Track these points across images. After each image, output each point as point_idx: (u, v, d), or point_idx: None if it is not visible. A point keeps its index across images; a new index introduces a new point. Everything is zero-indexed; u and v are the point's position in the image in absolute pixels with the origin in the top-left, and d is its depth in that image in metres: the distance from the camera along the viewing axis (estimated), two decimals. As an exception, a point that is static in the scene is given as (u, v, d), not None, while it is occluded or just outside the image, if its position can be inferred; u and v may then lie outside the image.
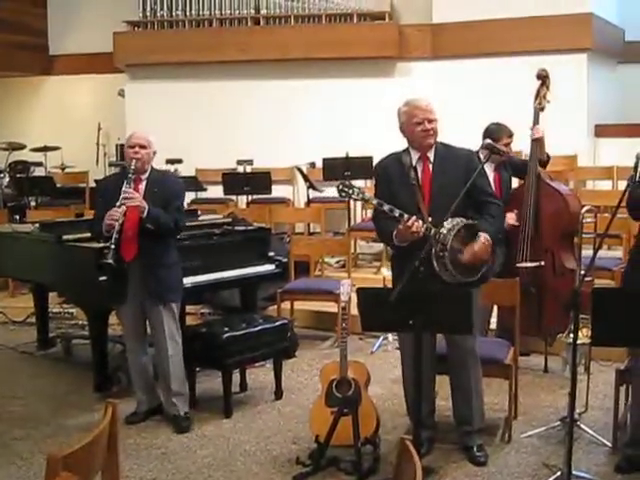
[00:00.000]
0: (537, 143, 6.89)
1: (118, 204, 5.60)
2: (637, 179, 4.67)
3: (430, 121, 5.05)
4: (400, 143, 5.25)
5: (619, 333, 4.52)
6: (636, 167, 4.71)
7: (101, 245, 6.19)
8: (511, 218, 6.78)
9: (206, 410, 6.23)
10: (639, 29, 12.25)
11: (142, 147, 5.80)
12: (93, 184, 12.28)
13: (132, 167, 5.74)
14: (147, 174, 5.89)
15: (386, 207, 4.94)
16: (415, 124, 5.06)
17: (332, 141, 10.98)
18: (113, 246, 5.55)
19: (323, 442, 5.15)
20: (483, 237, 4.94)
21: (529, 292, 6.72)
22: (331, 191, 9.22)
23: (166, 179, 6.17)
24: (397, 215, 4.88)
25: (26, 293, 8.96)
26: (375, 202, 5.05)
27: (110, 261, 5.54)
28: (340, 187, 5.01)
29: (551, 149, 7.14)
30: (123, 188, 5.66)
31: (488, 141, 5.45)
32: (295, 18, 12.50)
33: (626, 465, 5.06)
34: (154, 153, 5.93)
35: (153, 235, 5.74)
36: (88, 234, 6.59)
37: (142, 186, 5.84)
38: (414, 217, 4.86)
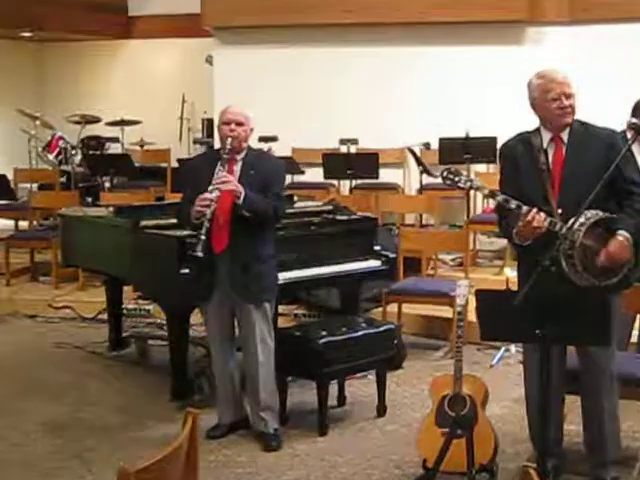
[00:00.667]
0: None
1: (210, 188, 5.63)
2: None
3: (568, 96, 4.97)
4: (530, 122, 5.19)
5: None
6: None
7: (185, 233, 6.32)
8: None
9: (298, 426, 6.29)
10: None
11: (239, 124, 5.82)
12: (175, 164, 12.56)
13: (227, 146, 5.77)
14: (243, 154, 5.92)
15: (500, 197, 4.90)
16: (550, 100, 4.98)
17: (449, 119, 10.93)
18: (203, 237, 5.58)
19: (432, 467, 5.15)
20: (622, 236, 4.84)
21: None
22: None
23: (265, 160, 6.18)
24: (514, 207, 4.83)
25: (98, 286, 9.14)
26: (485, 192, 5.03)
27: (200, 254, 5.56)
28: (445, 174, 5.00)
29: None
30: (216, 170, 5.73)
31: (634, 120, 5.35)
32: (410, -23, 12.46)
33: None
34: (251, 130, 5.95)
35: (248, 224, 5.76)
36: (170, 220, 6.76)
37: (237, 168, 5.88)
38: (535, 210, 4.80)
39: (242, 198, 5.68)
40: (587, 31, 11.46)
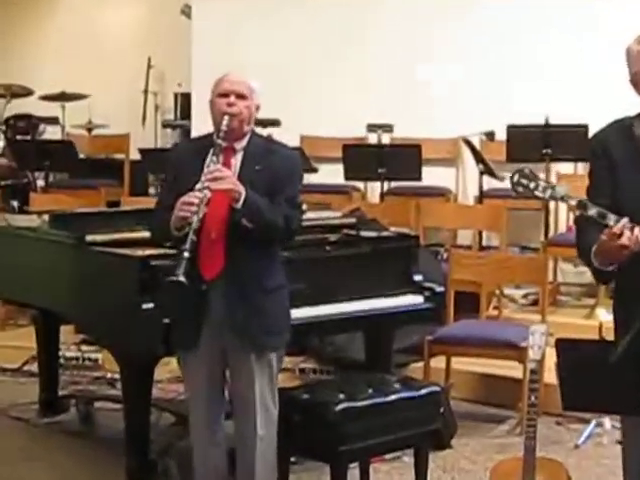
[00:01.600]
0: None
1: (198, 186, 5.49)
2: None
3: None
4: (630, 106, 5.22)
5: None
6: None
7: (149, 252, 6.32)
8: None
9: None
10: None
11: (240, 96, 5.68)
12: (137, 155, 12.55)
13: (223, 128, 5.62)
14: (245, 142, 5.81)
15: (593, 211, 4.87)
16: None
17: (523, 99, 11.03)
18: (187, 254, 5.42)
19: None
20: None
21: None
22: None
23: (276, 152, 5.95)
24: (612, 223, 4.82)
25: (25, 325, 9.15)
26: (574, 202, 5.00)
27: (182, 278, 5.37)
28: (516, 178, 4.98)
29: None
30: (207, 162, 5.61)
31: None
32: None
33: None
34: (257, 108, 5.84)
35: (250, 239, 5.66)
36: (127, 234, 6.77)
37: (237, 160, 5.78)
38: (626, 220, 4.80)
39: (242, 201, 5.54)
40: None
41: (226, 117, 5.60)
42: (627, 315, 4.95)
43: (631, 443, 5.21)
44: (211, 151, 5.61)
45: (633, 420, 5.10)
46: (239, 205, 5.51)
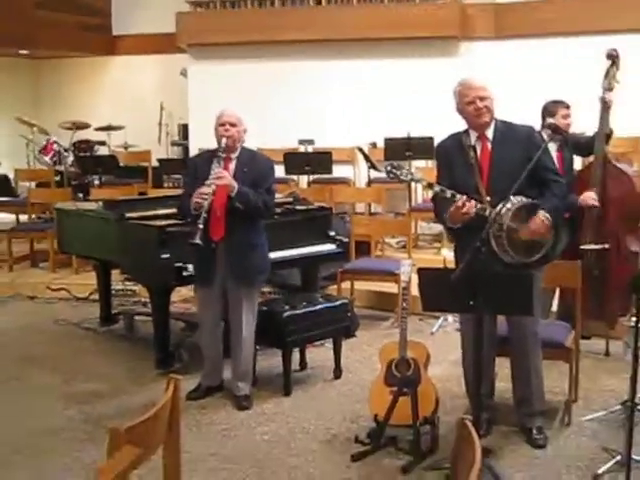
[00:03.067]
0: (606, 111, 6.78)
1: (207, 182, 5.60)
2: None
3: (482, 99, 5.02)
4: (461, 123, 5.22)
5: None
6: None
7: (165, 223, 6.32)
8: (590, 198, 6.69)
9: (266, 388, 6.28)
10: None
11: (233, 125, 5.78)
12: (155, 163, 12.47)
13: (222, 145, 5.74)
14: (237, 153, 5.89)
15: (437, 188, 4.95)
16: (467, 103, 5.05)
17: (394, 121, 10.91)
18: (201, 226, 5.53)
19: (382, 421, 5.17)
20: (541, 214, 4.90)
21: (592, 275, 6.70)
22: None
23: (256, 159, 6.08)
24: (449, 196, 4.88)
25: (90, 270, 9.05)
26: (424, 183, 5.09)
27: (198, 241, 5.51)
28: (389, 168, 5.03)
29: (615, 131, 7.06)
30: (212, 167, 5.67)
31: (551, 120, 5.40)
32: (358, -1, 12.49)
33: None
34: (244, 131, 5.91)
35: (242, 215, 5.74)
36: (152, 212, 6.76)
37: (232, 165, 5.85)
38: (464, 197, 4.85)
39: (235, 192, 5.66)
40: (512, 45, 11.60)
41: (224, 139, 5.75)
42: (461, 253, 4.99)
43: (465, 329, 5.28)
44: (215, 160, 5.73)
45: (465, 315, 5.15)
46: (234, 194, 5.69)
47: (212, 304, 6.01)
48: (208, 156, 5.95)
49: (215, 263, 5.82)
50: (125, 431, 2.82)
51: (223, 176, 5.66)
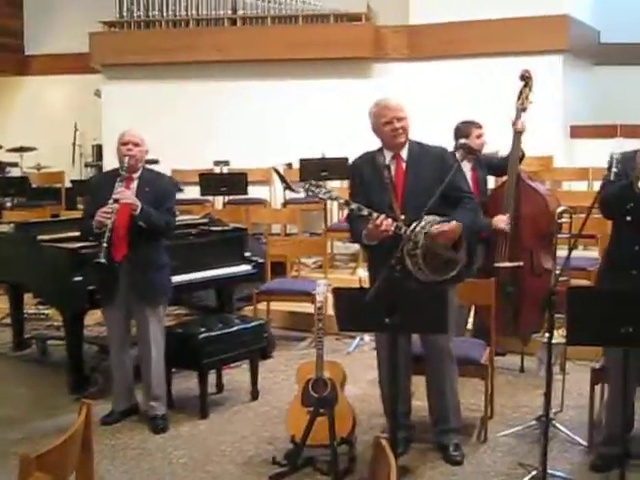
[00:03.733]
0: (519, 136, 6.90)
1: (110, 201, 5.52)
2: (611, 178, 4.67)
3: (399, 119, 5.07)
4: (376, 143, 5.26)
5: (594, 332, 4.55)
6: (610, 167, 4.72)
7: (78, 245, 6.24)
8: (502, 221, 6.78)
9: (182, 411, 6.22)
10: (614, 31, 12.36)
11: (135, 145, 5.75)
12: (69, 184, 12.34)
13: (125, 165, 5.68)
14: (139, 173, 5.83)
15: (353, 206, 4.97)
16: (384, 124, 5.09)
17: (309, 142, 11.01)
18: (105, 244, 5.46)
19: (299, 442, 5.15)
20: (455, 221, 4.94)
21: (507, 292, 6.79)
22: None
23: (158, 179, 6.05)
24: (366, 214, 4.90)
25: (1, 294, 8.87)
26: (342, 201, 5.10)
27: (103, 260, 5.45)
28: (307, 187, 5.05)
29: (527, 150, 7.17)
30: (115, 186, 5.59)
31: (463, 141, 5.47)
32: (272, 19, 12.60)
33: (602, 464, 5.08)
34: (146, 152, 5.90)
35: (144, 235, 5.68)
36: (65, 234, 6.63)
37: (134, 185, 5.78)
38: (383, 216, 4.87)
39: (139, 211, 5.59)
40: (424, 66, 11.82)
41: (126, 158, 5.69)
42: (375, 271, 5.00)
43: (381, 348, 5.31)
44: (118, 179, 5.63)
45: (380, 335, 5.17)
46: (137, 213, 5.58)
47: (117, 324, 5.94)
48: (109, 176, 5.91)
49: (118, 282, 5.75)
50: (36, 458, 2.77)
51: (126, 195, 5.61)
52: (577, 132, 11.51)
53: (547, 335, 4.91)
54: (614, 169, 4.67)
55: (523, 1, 11.15)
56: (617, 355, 4.86)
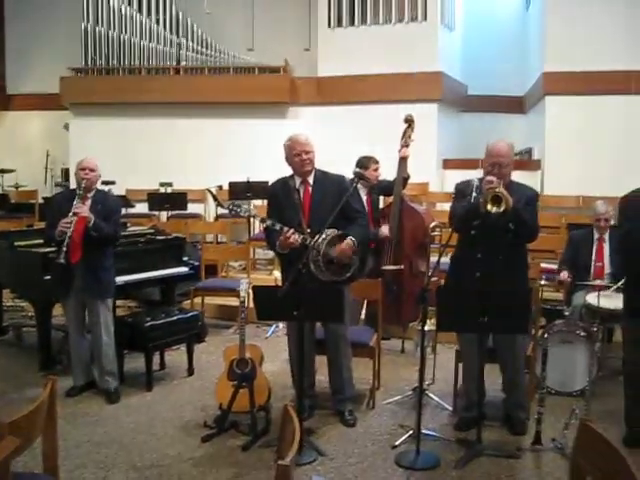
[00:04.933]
0: (403, 161, 6.99)
1: (70, 214, 5.46)
2: (472, 201, 4.75)
3: (307, 152, 5.10)
4: (290, 170, 5.27)
5: (458, 321, 4.65)
6: (471, 191, 4.80)
7: (47, 250, 6.10)
8: (386, 230, 6.89)
9: (132, 385, 6.13)
10: (477, 85, 12.58)
11: (91, 170, 5.69)
12: (42, 200, 12.10)
13: (82, 186, 5.61)
14: (93, 193, 5.76)
15: (268, 222, 4.99)
16: (295, 155, 5.11)
17: (237, 169, 10.90)
18: (65, 249, 5.40)
19: (226, 409, 5.14)
20: (349, 239, 4.99)
21: (391, 289, 6.86)
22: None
23: (107, 197, 6.00)
24: (278, 228, 4.92)
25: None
26: (259, 218, 5.12)
27: (62, 261, 5.39)
28: (230, 206, 5.06)
29: (410, 177, 7.27)
30: (74, 203, 5.52)
31: (357, 170, 5.51)
32: (209, 70, 12.61)
33: (462, 425, 5.19)
34: (99, 176, 5.82)
35: (96, 242, 5.61)
36: (37, 241, 6.48)
37: (89, 202, 5.69)
38: (291, 230, 4.90)
39: (92, 223, 5.53)
40: (330, 109, 11.88)
41: (84, 181, 5.61)
42: (287, 273, 5.06)
43: (291, 333, 5.34)
44: (76, 197, 5.57)
45: (291, 323, 5.23)
46: (90, 225, 5.52)
47: (74, 313, 5.85)
48: (68, 194, 5.86)
49: (73, 280, 5.67)
50: (8, 424, 2.73)
51: (82, 210, 5.53)
52: (448, 164, 11.66)
53: (421, 324, 5.00)
54: (474, 193, 4.75)
55: (407, 60, 11.31)
56: (468, 339, 5.01)
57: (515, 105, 12.75)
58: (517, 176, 5.15)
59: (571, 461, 2.78)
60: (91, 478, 4.44)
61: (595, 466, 2.59)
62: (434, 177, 11.37)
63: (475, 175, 5.08)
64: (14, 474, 2.87)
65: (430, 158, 11.22)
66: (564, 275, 6.44)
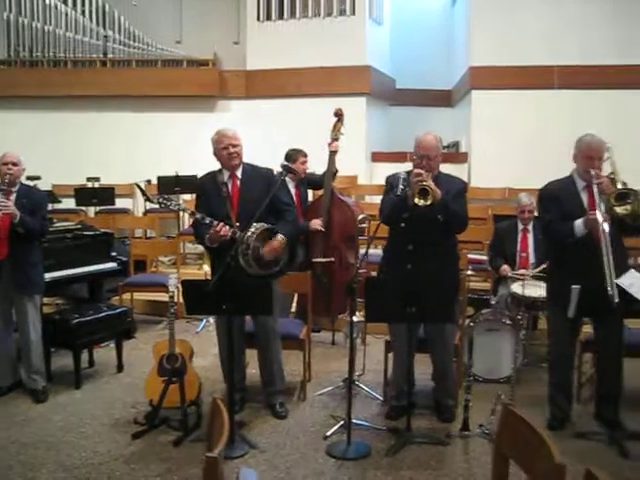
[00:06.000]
0: (333, 155, 7.05)
1: None
2: (399, 193, 4.82)
3: (234, 146, 5.10)
4: (218, 165, 5.27)
5: (386, 312, 4.73)
6: (397, 184, 4.87)
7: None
8: (317, 224, 6.92)
9: (60, 383, 6.06)
10: (406, 79, 12.76)
11: (14, 164, 5.57)
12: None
13: (5, 181, 5.50)
14: (17, 187, 5.64)
15: (198, 215, 4.98)
16: (222, 148, 5.11)
17: (166, 163, 10.84)
18: None
19: (156, 405, 5.12)
20: (280, 237, 5.02)
21: (321, 281, 6.92)
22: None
23: (32, 192, 5.89)
24: (207, 222, 4.92)
25: None
26: (189, 212, 5.11)
27: None
28: (160, 200, 5.03)
29: (340, 170, 7.33)
30: None
31: (284, 163, 5.53)
32: (136, 62, 12.44)
33: (393, 413, 5.29)
34: (23, 170, 5.70)
35: (22, 238, 5.52)
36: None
37: (13, 197, 5.57)
38: (222, 223, 4.90)
39: (17, 218, 5.43)
40: (258, 103, 11.84)
41: (7, 175, 5.52)
42: (217, 267, 5.04)
43: (219, 328, 5.33)
44: (0, 192, 5.40)
45: (219, 317, 5.21)
46: (16, 221, 5.41)
47: (0, 311, 5.73)
48: None
49: (0, 278, 5.58)
50: None
51: (7, 205, 5.42)
52: (377, 157, 11.76)
53: (349, 315, 5.06)
54: (401, 186, 4.83)
55: (335, 54, 11.36)
56: (398, 329, 5.08)
57: (443, 99, 12.97)
58: (445, 169, 5.24)
59: (494, 444, 2.86)
60: (18, 478, 4.38)
61: (517, 449, 2.67)
62: (363, 170, 11.46)
63: (404, 168, 5.16)
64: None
65: (359, 151, 11.32)
66: (505, 269, 6.53)
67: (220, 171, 5.20)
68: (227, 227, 4.91)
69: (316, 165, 7.36)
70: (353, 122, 10.25)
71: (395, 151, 11.24)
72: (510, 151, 10.56)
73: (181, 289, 4.82)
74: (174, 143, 11.70)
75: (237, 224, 4.97)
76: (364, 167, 11.52)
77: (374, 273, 6.50)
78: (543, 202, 5.00)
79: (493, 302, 6.25)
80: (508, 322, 5.89)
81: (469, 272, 6.27)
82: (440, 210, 4.85)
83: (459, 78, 12.02)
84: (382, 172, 11.33)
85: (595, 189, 4.64)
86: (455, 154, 11.69)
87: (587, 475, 2.18)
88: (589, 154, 4.71)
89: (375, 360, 6.23)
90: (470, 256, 7.37)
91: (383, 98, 12.42)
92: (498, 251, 6.78)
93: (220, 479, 2.30)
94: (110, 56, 12.49)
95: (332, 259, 7.01)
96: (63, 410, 5.52)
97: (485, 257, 7.21)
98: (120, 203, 11.40)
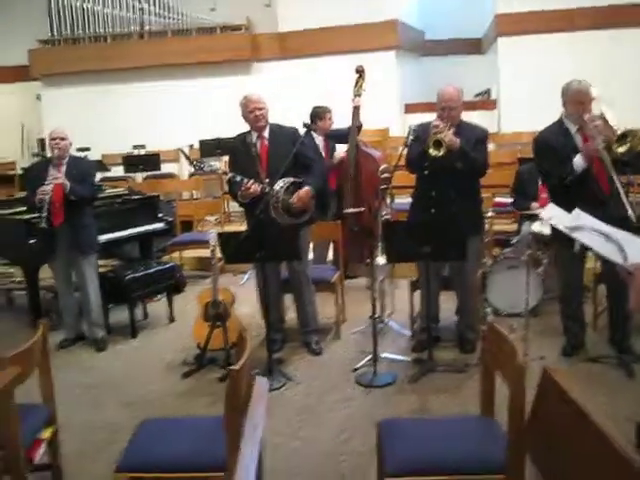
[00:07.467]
0: (357, 110, 7.39)
1: (47, 183, 5.81)
2: (409, 143, 5.21)
3: (259, 109, 5.46)
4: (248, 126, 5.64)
5: (403, 252, 5.11)
6: (408, 134, 5.27)
7: (28, 217, 6.39)
8: (339, 154, 7.35)
9: (118, 334, 6.57)
10: (435, 30, 12.95)
11: (62, 139, 5.98)
12: (20, 171, 12.36)
13: (55, 155, 5.96)
14: (66, 159, 6.07)
15: (230, 174, 5.37)
16: (249, 112, 5.47)
17: (208, 127, 11.20)
18: (45, 214, 5.75)
19: (203, 347, 5.58)
20: (307, 187, 5.39)
21: (353, 230, 7.27)
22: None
23: (80, 162, 6.31)
24: (239, 180, 5.33)
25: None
26: (220, 171, 5.51)
27: (45, 225, 5.75)
28: (195, 163, 5.47)
29: (370, 123, 7.59)
30: (49, 171, 5.89)
31: (306, 122, 5.88)
32: (172, 32, 12.78)
33: (418, 346, 5.70)
34: (70, 144, 6.10)
35: (75, 204, 5.95)
36: (20, 209, 6.78)
37: (63, 169, 6.00)
38: (252, 181, 5.30)
39: (68, 188, 5.88)
40: (292, 63, 12.13)
41: (56, 150, 5.93)
42: (249, 220, 5.51)
43: (257, 276, 5.74)
44: (51, 165, 5.93)
45: (257, 265, 5.59)
46: (67, 190, 5.84)
47: (61, 272, 6.23)
48: (44, 163, 6.19)
49: (57, 242, 6.03)
50: (9, 358, 3.23)
51: (58, 177, 5.87)
52: (410, 108, 12.02)
53: (369, 260, 5.45)
54: (411, 136, 5.22)
55: (364, 10, 11.59)
56: (423, 268, 5.45)
57: (474, 47, 13.12)
58: (476, 116, 5.57)
59: (481, 359, 3.27)
60: (85, 413, 4.93)
61: (498, 360, 3.08)
62: (397, 122, 11.73)
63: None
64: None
65: (392, 104, 11.59)
66: (535, 205, 6.82)
67: (249, 132, 5.58)
68: (256, 184, 5.31)
69: (343, 121, 7.70)
70: (384, 76, 10.59)
71: (428, 101, 11.45)
72: (538, 96, 10.71)
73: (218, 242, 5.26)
74: (213, 108, 12.02)
75: (267, 180, 5.36)
76: (397, 119, 11.78)
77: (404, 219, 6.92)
78: (539, 150, 5.20)
79: (514, 241, 6.58)
80: (526, 259, 6.22)
81: (489, 214, 6.59)
82: (458, 158, 5.16)
83: (487, 25, 12.18)
84: (415, 123, 11.67)
85: (593, 132, 4.77)
86: (485, 102, 11.90)
87: (544, 374, 2.54)
88: (580, 99, 4.90)
89: (405, 301, 6.51)
90: (497, 200, 7.67)
91: (413, 50, 12.66)
92: (521, 193, 7.08)
93: (241, 387, 2.79)
94: (146, 28, 12.88)
95: (362, 209, 7.36)
96: (122, 357, 6.04)
97: (510, 199, 7.51)
98: (166, 168, 11.88)
